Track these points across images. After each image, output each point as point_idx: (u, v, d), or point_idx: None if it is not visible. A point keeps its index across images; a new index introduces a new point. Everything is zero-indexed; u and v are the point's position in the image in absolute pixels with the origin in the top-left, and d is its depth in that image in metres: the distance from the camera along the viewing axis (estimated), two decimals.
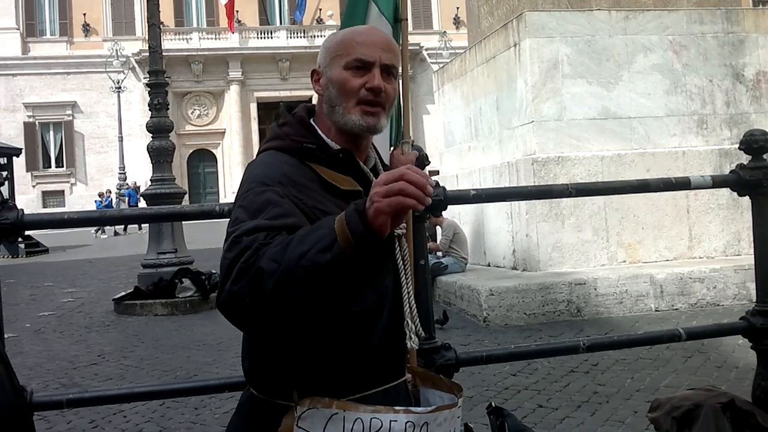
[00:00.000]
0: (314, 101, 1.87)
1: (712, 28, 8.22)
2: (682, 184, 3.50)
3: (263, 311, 1.39)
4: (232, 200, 1.86)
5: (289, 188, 1.58)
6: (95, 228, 25.96)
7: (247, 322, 1.46)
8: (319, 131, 1.75)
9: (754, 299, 3.45)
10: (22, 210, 2.64)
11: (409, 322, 1.80)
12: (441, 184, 3.07)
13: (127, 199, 29.48)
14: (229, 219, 1.61)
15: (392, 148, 2.68)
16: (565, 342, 3.93)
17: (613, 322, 6.51)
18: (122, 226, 26.83)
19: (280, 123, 1.78)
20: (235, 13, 36.23)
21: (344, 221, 1.37)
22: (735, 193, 3.35)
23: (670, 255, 7.61)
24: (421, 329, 1.87)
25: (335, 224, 1.37)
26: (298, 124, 1.75)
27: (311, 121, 1.79)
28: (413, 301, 1.83)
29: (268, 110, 39.59)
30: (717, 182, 3.44)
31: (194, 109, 39.59)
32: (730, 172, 3.33)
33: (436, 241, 8.67)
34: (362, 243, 1.35)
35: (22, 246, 17.74)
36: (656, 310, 6.80)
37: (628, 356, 5.08)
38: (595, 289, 6.80)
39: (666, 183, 3.61)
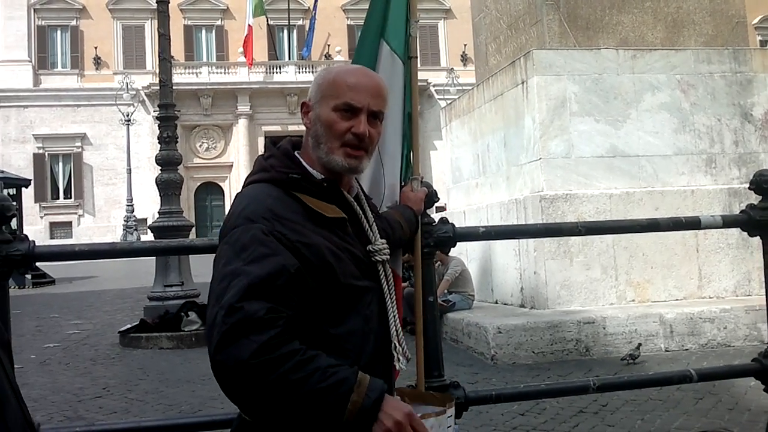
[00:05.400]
0: None
1: (720, 67, 8.26)
2: (692, 224, 3.49)
3: (252, 395, 1.54)
4: None
5: (274, 223, 1.64)
6: None
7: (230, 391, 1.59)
8: (304, 163, 1.82)
9: (766, 340, 3.42)
10: (34, 242, 2.65)
11: (397, 344, 1.87)
12: (449, 221, 3.07)
13: None
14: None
15: (402, 185, 2.69)
16: (574, 382, 3.89)
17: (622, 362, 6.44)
18: None
19: (265, 156, 1.85)
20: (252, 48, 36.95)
21: (359, 406, 1.53)
22: (745, 233, 3.34)
23: (680, 294, 7.55)
24: (408, 352, 1.92)
25: (349, 404, 1.53)
26: (284, 156, 1.82)
27: (296, 153, 1.85)
28: (399, 325, 1.89)
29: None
30: (727, 222, 3.43)
31: (202, 142, 39.86)
32: (741, 212, 3.32)
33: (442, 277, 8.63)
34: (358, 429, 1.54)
35: (28, 277, 17.70)
36: (666, 351, 6.73)
37: (638, 397, 5.02)
38: (604, 328, 6.74)
39: (676, 222, 3.61)
